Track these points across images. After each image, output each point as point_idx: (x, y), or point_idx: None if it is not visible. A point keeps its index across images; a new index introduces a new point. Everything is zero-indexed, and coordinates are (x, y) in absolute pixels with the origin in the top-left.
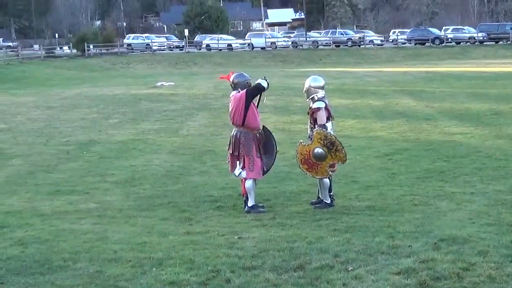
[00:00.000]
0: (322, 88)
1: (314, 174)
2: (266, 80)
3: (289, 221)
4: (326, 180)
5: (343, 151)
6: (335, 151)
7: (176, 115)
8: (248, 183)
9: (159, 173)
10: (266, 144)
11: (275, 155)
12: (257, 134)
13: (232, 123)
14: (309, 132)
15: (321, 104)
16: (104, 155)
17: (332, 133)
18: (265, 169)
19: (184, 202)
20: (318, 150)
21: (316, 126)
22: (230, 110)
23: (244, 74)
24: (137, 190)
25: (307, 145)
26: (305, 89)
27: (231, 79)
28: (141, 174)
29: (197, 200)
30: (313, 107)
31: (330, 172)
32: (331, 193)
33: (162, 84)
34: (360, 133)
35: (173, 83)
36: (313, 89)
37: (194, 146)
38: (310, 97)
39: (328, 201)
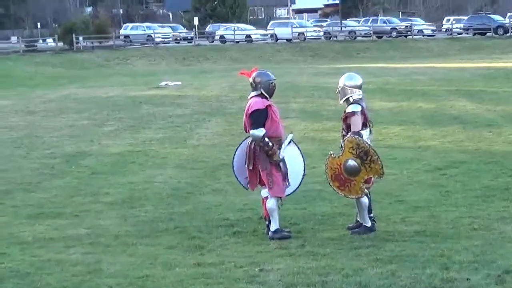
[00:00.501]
0: (359, 87)
1: (347, 193)
2: (291, 141)
3: (321, 249)
4: (364, 200)
5: (379, 162)
6: (370, 162)
7: (183, 122)
8: (270, 203)
9: (164, 192)
10: (291, 159)
11: (302, 178)
12: (277, 144)
13: (246, 131)
14: (341, 141)
15: (357, 108)
16: (97, 170)
17: (367, 141)
18: (287, 185)
19: (193, 227)
20: (350, 162)
21: (348, 133)
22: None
23: (269, 73)
24: (137, 213)
25: (338, 157)
26: (338, 88)
27: (251, 77)
28: (141, 193)
29: (209, 224)
30: (347, 111)
31: (365, 190)
32: (371, 215)
33: (166, 84)
34: (407, 142)
35: (180, 83)
36: (348, 88)
37: (205, 159)
38: (345, 98)
39: (368, 225)
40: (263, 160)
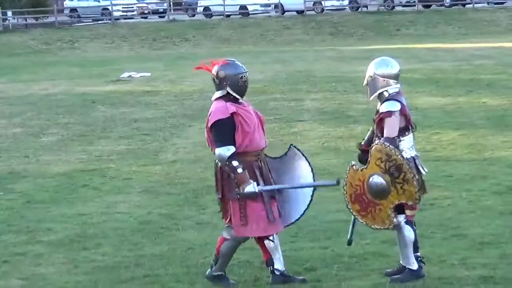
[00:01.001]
0: (395, 78)
1: (370, 222)
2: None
3: None
4: (408, 233)
5: (415, 183)
6: (403, 181)
7: (154, 129)
8: (227, 245)
9: (128, 227)
10: (287, 175)
11: (310, 200)
12: (257, 161)
13: (211, 150)
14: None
15: (395, 106)
16: (35, 198)
17: (401, 153)
18: (285, 222)
19: (170, 276)
20: (377, 179)
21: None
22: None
23: (238, 64)
24: (92, 256)
25: (361, 170)
26: (367, 79)
27: (214, 72)
28: (97, 228)
29: (191, 271)
30: (380, 110)
31: (396, 220)
32: (418, 254)
33: (130, 76)
34: (468, 153)
35: (148, 74)
36: (380, 79)
37: (185, 180)
38: (377, 93)
39: (414, 267)
40: (232, 186)
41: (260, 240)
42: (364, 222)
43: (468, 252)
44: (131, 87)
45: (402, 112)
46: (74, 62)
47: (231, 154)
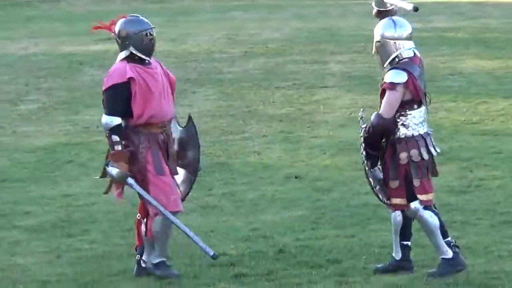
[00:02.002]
0: (408, 39)
1: None
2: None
3: None
4: (432, 220)
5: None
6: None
7: None
8: (157, 223)
9: (121, 211)
10: (187, 148)
11: (196, 176)
12: (162, 134)
13: None
14: None
15: (400, 77)
16: (11, 176)
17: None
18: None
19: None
20: None
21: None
22: None
23: (141, 19)
24: (78, 244)
25: None
26: (375, 45)
27: (116, 30)
28: (84, 212)
29: (195, 263)
30: (384, 80)
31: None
32: (449, 239)
33: None
34: None
35: None
36: (391, 42)
37: None
38: (390, 59)
39: (449, 256)
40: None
41: (139, 223)
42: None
43: None
44: None
45: (408, 85)
46: (58, 17)
47: (114, 126)
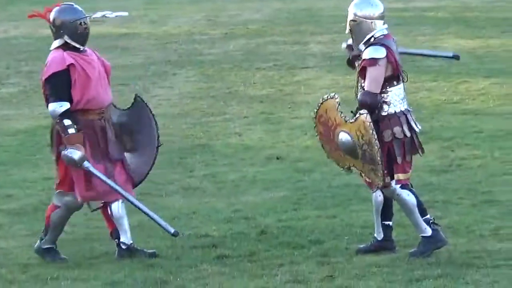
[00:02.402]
0: (381, 18)
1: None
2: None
3: (361, 284)
4: (409, 198)
5: (380, 173)
6: (371, 164)
7: (132, 77)
8: (56, 214)
9: None
10: (137, 130)
11: (156, 152)
12: (100, 120)
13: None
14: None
15: (379, 52)
16: None
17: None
18: (134, 180)
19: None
20: (345, 140)
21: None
22: None
23: (75, 7)
24: None
25: (342, 119)
26: (349, 24)
27: (50, 18)
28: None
29: (177, 244)
30: (363, 57)
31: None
32: (428, 217)
33: (104, 16)
34: (502, 105)
35: (125, 14)
36: (366, 21)
37: (170, 137)
38: (365, 39)
39: (428, 233)
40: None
41: (105, 208)
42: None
43: (501, 221)
44: (105, 29)
45: (389, 59)
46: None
47: (64, 111)
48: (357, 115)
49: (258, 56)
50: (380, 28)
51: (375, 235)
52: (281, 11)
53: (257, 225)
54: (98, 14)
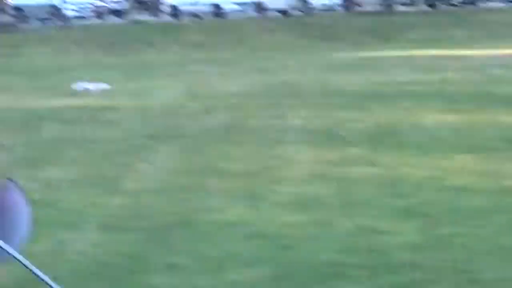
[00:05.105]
0: None
1: None
2: None
3: None
4: None
5: None
6: None
7: (114, 152)
8: None
9: (83, 270)
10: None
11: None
12: None
13: None
14: None
15: None
16: None
17: None
18: None
19: None
20: None
21: None
22: None
23: None
24: None
25: None
26: None
27: None
28: (46, 271)
29: None
30: None
31: None
32: None
33: (86, 89)
34: (482, 182)
35: (107, 86)
36: None
37: (151, 214)
38: None
39: None
40: None
41: None
42: None
43: None
44: (85, 102)
45: None
46: (18, 71)
47: None
48: None
49: (238, 130)
50: None
51: None
52: (261, 84)
53: None
54: (80, 86)
